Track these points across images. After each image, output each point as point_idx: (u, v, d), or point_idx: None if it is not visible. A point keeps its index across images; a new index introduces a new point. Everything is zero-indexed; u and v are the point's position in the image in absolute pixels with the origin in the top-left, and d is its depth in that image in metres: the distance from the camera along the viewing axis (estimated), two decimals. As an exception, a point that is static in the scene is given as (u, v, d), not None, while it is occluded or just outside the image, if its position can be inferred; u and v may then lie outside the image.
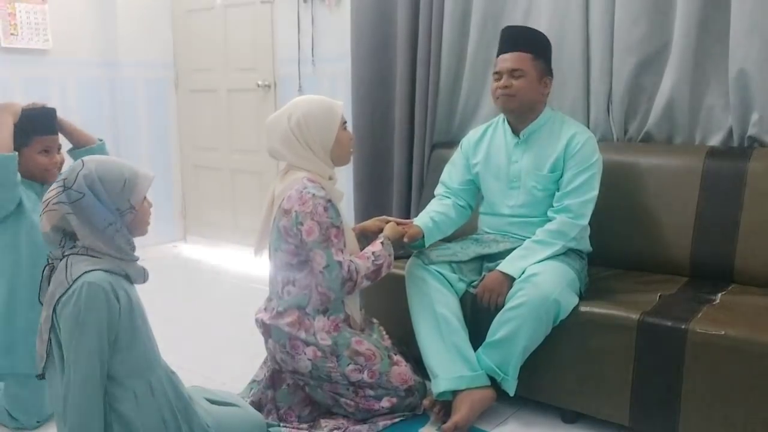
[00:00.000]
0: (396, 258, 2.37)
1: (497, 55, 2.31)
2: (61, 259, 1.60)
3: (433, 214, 2.36)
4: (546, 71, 2.27)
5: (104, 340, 1.55)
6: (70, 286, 1.53)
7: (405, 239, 2.23)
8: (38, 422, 2.16)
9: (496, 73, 2.27)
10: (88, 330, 1.52)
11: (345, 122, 2.12)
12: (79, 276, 1.54)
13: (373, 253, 2.10)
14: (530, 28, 2.46)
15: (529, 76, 2.21)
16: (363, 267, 2.04)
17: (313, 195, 1.97)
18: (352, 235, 2.15)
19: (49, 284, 1.62)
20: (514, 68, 2.21)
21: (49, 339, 1.60)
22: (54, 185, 1.62)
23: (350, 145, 2.15)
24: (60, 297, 1.55)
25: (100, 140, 2.38)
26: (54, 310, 1.56)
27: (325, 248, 1.97)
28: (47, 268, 1.64)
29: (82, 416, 1.54)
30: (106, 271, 1.57)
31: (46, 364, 1.62)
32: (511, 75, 2.21)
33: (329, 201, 1.99)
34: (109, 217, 1.60)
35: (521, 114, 2.27)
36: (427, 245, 2.32)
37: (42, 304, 1.65)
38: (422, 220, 2.34)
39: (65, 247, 1.62)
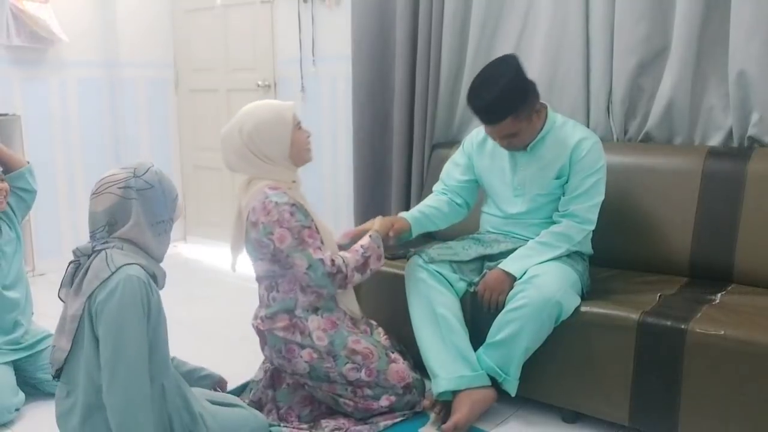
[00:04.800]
0: (396, 258, 2.37)
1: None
2: (90, 255, 1.61)
3: (423, 207, 2.37)
4: (533, 106, 2.15)
5: (146, 334, 1.56)
6: (111, 276, 1.54)
7: (390, 233, 2.22)
8: (16, 409, 2.21)
9: (487, 132, 2.22)
10: (132, 325, 1.53)
11: (299, 122, 2.08)
12: (120, 267, 1.55)
13: (362, 246, 2.11)
14: (494, 90, 2.06)
15: (521, 129, 2.14)
16: (352, 260, 2.05)
17: (276, 203, 1.96)
18: (329, 233, 2.13)
19: (72, 282, 1.62)
20: (505, 134, 2.15)
21: (78, 330, 1.58)
22: (119, 170, 1.66)
23: (308, 143, 2.11)
24: (99, 286, 1.54)
25: (28, 162, 2.48)
26: (90, 300, 1.55)
27: (302, 250, 1.97)
28: (71, 265, 1.65)
29: (134, 414, 1.53)
30: (142, 267, 1.60)
31: (68, 357, 1.60)
32: (503, 137, 2.17)
33: (293, 205, 1.98)
34: (164, 214, 1.68)
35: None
36: (414, 236, 2.32)
37: (61, 300, 1.65)
38: (409, 212, 2.35)
39: (98, 238, 1.63)
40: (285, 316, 2.06)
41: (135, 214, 1.62)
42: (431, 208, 2.37)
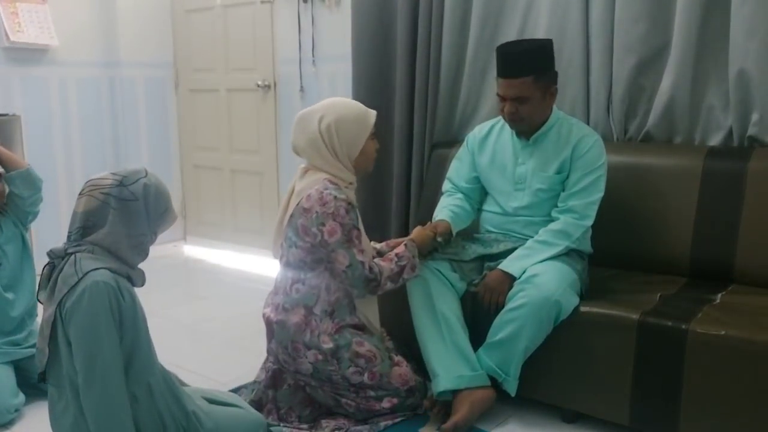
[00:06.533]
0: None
1: (497, 75, 2.23)
2: (63, 257, 1.60)
3: (452, 207, 2.37)
4: (550, 83, 2.20)
5: (117, 338, 1.55)
6: (78, 283, 1.53)
7: (438, 238, 2.23)
8: (17, 410, 2.20)
9: (499, 95, 2.22)
10: (102, 332, 1.52)
11: (374, 132, 2.12)
12: (87, 273, 1.54)
13: (396, 254, 2.11)
14: (526, 44, 2.24)
15: (534, 98, 2.16)
16: (387, 269, 2.06)
17: (335, 197, 1.98)
18: (368, 242, 2.16)
19: (48, 282, 1.62)
20: (518, 96, 2.16)
21: (52, 335, 1.58)
22: (108, 174, 1.64)
23: (374, 154, 2.15)
24: (67, 294, 1.54)
25: (27, 166, 2.44)
26: (60, 306, 1.55)
27: (348, 248, 1.98)
28: (47, 267, 1.64)
29: (111, 420, 1.53)
30: (111, 270, 1.58)
31: (48, 361, 1.60)
32: (515, 101, 2.17)
33: (350, 203, 2.01)
34: (144, 229, 1.65)
35: (531, 128, 2.26)
36: (455, 233, 2.32)
37: (40, 302, 1.65)
38: (443, 213, 2.35)
39: (72, 240, 1.62)
40: (302, 311, 2.06)
41: (111, 223, 1.60)
42: (457, 207, 2.38)
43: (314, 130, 2.04)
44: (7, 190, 2.33)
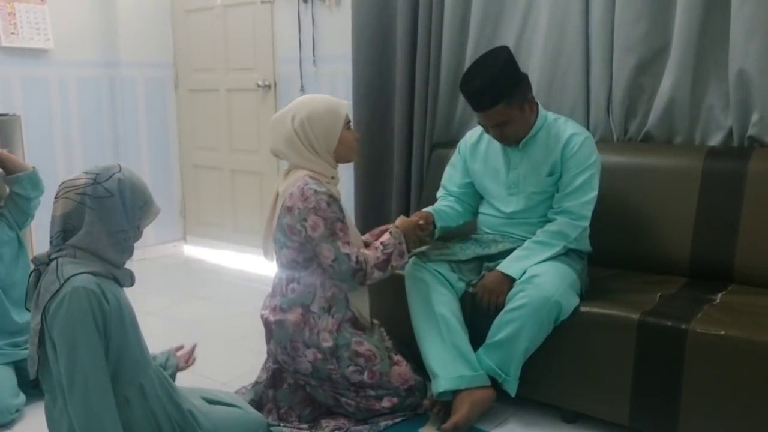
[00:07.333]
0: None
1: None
2: (48, 263, 1.58)
3: (440, 206, 2.40)
4: (524, 96, 2.16)
5: (100, 344, 1.53)
6: (59, 289, 1.51)
7: (420, 221, 2.24)
8: (17, 410, 2.20)
9: (480, 123, 2.23)
10: (82, 338, 1.50)
11: (349, 121, 2.13)
12: (68, 279, 1.51)
13: (381, 243, 2.12)
14: (484, 73, 2.11)
15: (513, 117, 2.15)
16: (372, 257, 2.06)
17: (315, 191, 1.98)
18: (356, 232, 2.17)
19: (35, 290, 1.60)
20: (496, 122, 2.16)
21: (41, 342, 1.56)
22: (82, 175, 1.61)
23: (355, 144, 2.16)
24: (49, 300, 1.52)
25: (33, 167, 2.45)
26: (44, 314, 1.53)
27: (332, 242, 1.98)
28: (33, 274, 1.62)
29: (94, 424, 1.51)
30: (93, 273, 1.55)
31: (39, 368, 1.59)
32: (496, 126, 2.18)
33: (331, 196, 2.01)
34: (123, 225, 1.62)
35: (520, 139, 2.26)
36: (438, 227, 2.34)
37: (29, 311, 1.63)
38: (429, 208, 2.38)
39: (55, 245, 1.60)
40: (299, 310, 2.07)
41: (88, 223, 1.57)
42: (445, 206, 2.40)
43: (288, 129, 2.05)
44: (6, 192, 2.34)
